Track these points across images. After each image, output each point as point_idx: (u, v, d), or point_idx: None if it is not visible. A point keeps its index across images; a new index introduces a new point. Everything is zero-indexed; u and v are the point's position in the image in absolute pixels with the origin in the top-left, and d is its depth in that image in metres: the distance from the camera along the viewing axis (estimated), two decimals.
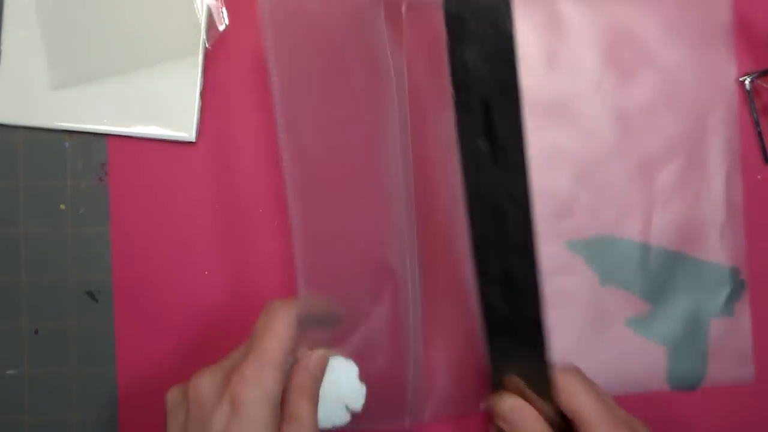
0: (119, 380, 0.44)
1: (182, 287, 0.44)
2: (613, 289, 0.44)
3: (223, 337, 0.43)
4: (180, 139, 0.43)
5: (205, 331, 0.44)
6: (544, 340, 0.37)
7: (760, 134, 0.44)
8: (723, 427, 0.44)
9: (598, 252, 0.44)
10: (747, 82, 0.43)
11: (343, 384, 0.36)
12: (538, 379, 0.37)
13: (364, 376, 0.37)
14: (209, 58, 0.43)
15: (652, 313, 0.44)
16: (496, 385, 0.38)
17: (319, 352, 0.35)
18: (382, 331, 0.38)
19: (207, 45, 0.43)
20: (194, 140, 0.43)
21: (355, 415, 0.37)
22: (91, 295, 0.44)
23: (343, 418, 0.36)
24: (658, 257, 0.44)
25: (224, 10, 0.43)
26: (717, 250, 0.44)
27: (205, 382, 0.33)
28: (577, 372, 0.37)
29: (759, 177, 0.44)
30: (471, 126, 0.35)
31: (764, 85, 0.44)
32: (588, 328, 0.44)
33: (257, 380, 0.32)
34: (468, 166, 0.35)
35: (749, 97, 0.44)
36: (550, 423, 0.37)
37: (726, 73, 0.44)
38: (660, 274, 0.44)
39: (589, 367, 0.44)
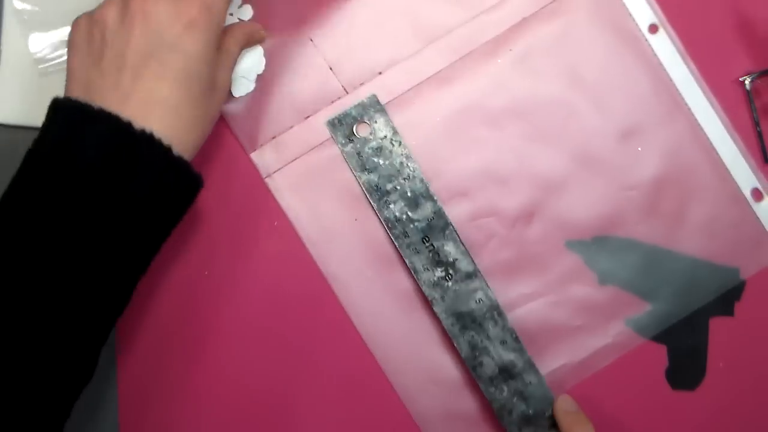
0: (119, 380, 0.44)
1: (182, 287, 0.44)
2: (612, 289, 0.44)
3: (223, 336, 0.43)
4: None
5: (205, 330, 0.44)
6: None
7: (760, 134, 0.44)
8: (723, 427, 0.44)
9: (598, 252, 0.44)
10: (747, 82, 0.43)
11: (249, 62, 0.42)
12: None
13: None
14: None
15: (652, 313, 0.44)
16: None
17: (258, 28, 0.42)
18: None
19: None
20: None
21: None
22: None
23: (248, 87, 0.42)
24: (658, 257, 0.44)
25: None
26: (717, 249, 0.44)
27: (161, 8, 0.34)
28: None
29: None
30: (425, 264, 0.42)
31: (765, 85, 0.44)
32: (588, 328, 0.44)
33: (210, 8, 0.35)
34: (435, 296, 0.42)
35: (749, 97, 0.44)
36: None
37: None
38: (660, 274, 0.44)
39: (589, 367, 0.44)
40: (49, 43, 0.42)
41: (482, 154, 0.43)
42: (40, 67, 0.42)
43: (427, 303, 0.43)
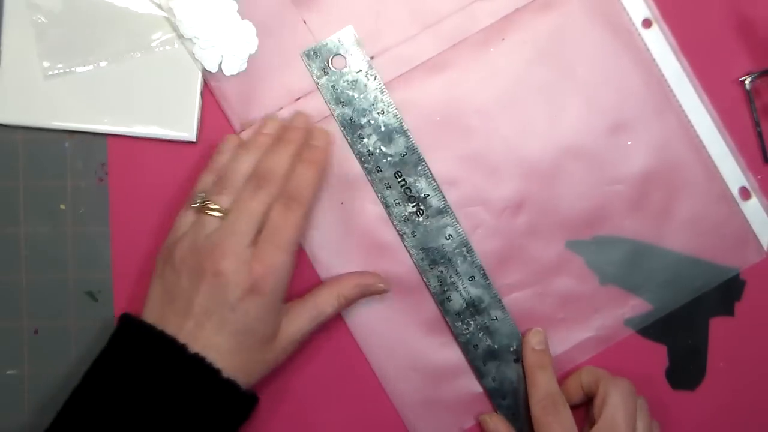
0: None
1: None
2: (613, 289, 0.44)
3: None
4: (181, 138, 0.43)
5: None
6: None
7: (760, 134, 0.44)
8: (723, 427, 0.44)
9: (598, 252, 0.44)
10: (747, 82, 0.43)
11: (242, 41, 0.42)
12: None
13: None
14: None
15: (652, 313, 0.44)
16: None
17: (376, 281, 0.43)
18: None
19: None
20: (195, 140, 0.43)
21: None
22: (91, 295, 0.44)
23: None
24: (658, 257, 0.44)
25: None
26: (717, 249, 0.44)
27: (230, 270, 0.37)
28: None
29: (759, 177, 0.44)
30: (397, 199, 0.43)
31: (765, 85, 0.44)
32: (588, 328, 0.44)
33: (275, 271, 0.37)
34: (405, 231, 0.43)
35: (749, 97, 0.44)
36: None
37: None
38: (660, 274, 0.44)
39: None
40: (58, 49, 0.43)
41: (471, 142, 0.44)
42: (48, 74, 0.42)
43: (411, 291, 0.43)
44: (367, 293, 0.42)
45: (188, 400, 0.36)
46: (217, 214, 0.38)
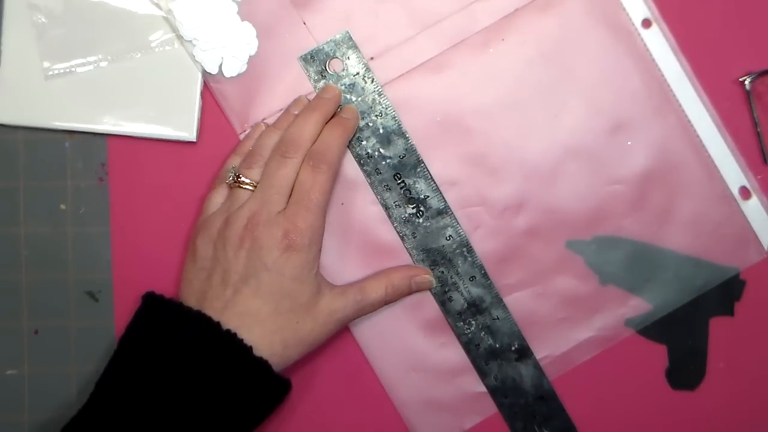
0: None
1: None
2: (613, 289, 0.44)
3: None
4: (181, 138, 0.43)
5: None
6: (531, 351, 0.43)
7: (760, 134, 0.44)
8: (723, 427, 0.44)
9: (598, 252, 0.44)
10: (747, 82, 0.43)
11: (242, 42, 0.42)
12: None
13: None
14: None
15: (652, 313, 0.44)
16: None
17: (423, 273, 0.43)
18: None
19: None
20: (195, 140, 0.43)
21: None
22: (91, 295, 0.44)
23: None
24: (658, 257, 0.44)
25: None
26: (717, 250, 0.44)
27: (264, 235, 0.38)
28: None
29: (759, 177, 0.44)
30: (396, 200, 0.43)
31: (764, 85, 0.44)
32: (588, 328, 0.44)
33: (306, 230, 0.38)
34: (405, 233, 0.43)
35: (749, 97, 0.44)
36: None
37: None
38: (660, 274, 0.44)
39: (589, 368, 0.44)
40: (58, 49, 0.43)
41: (472, 143, 0.43)
42: (48, 74, 0.43)
43: (411, 292, 0.43)
44: (415, 287, 0.43)
45: (219, 378, 0.36)
46: (248, 187, 0.39)
